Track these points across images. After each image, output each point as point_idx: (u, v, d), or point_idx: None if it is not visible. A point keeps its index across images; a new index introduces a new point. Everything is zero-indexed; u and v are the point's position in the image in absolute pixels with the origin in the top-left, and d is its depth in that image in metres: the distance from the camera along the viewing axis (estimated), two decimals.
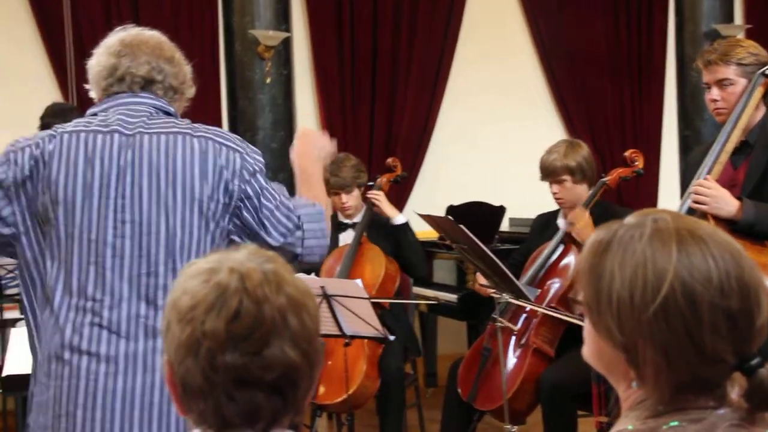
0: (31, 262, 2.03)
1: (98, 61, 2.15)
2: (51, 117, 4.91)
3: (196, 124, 2.14)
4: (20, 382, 2.67)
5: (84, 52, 2.27)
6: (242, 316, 1.11)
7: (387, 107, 6.51)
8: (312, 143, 2.47)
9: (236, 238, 2.10)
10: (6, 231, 2.03)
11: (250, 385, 1.11)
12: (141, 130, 2.06)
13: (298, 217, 2.15)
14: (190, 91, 2.23)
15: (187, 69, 2.22)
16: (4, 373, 2.80)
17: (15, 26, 5.95)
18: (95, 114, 2.11)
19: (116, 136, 2.04)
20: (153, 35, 2.19)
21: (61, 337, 1.98)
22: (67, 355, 1.96)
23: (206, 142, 2.07)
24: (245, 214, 2.09)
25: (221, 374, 1.10)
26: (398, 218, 4.52)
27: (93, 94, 2.18)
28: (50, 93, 5.70)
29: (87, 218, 1.99)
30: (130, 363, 1.96)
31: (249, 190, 2.09)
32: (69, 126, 2.07)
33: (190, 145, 2.05)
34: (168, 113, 2.14)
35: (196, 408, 1.13)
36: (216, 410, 1.12)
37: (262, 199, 2.10)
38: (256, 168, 2.12)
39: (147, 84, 2.13)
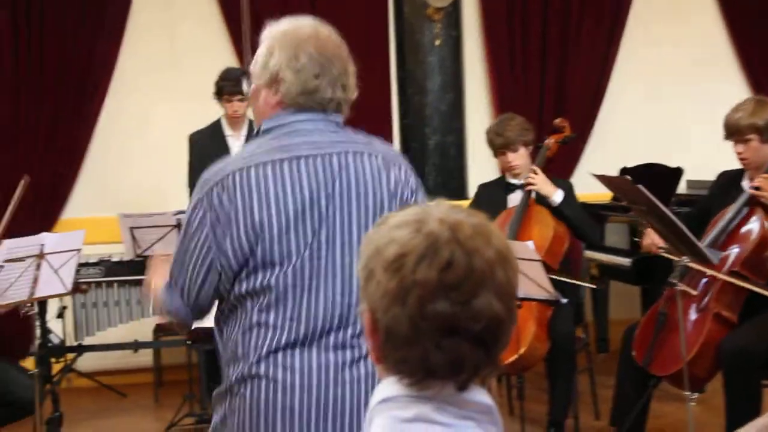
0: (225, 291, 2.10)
1: (296, 74, 2.08)
2: (224, 80, 5.15)
3: (371, 139, 2.15)
4: (207, 336, 2.79)
5: (259, 23, 2.27)
6: (454, 266, 1.12)
7: (557, 67, 6.38)
8: None
9: None
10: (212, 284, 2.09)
11: (457, 334, 1.12)
12: (326, 150, 2.06)
13: None
14: (354, 98, 2.19)
15: (353, 73, 2.16)
16: (193, 326, 2.93)
17: (196, 2, 6.18)
18: (268, 130, 2.09)
19: (302, 160, 2.03)
20: (335, 41, 2.12)
21: (261, 350, 2.04)
22: (263, 369, 2.03)
23: (384, 161, 2.09)
24: None
25: (430, 322, 1.11)
26: (557, 196, 4.41)
27: (274, 98, 2.12)
28: (230, 64, 5.88)
29: (284, 242, 2.01)
30: (323, 377, 2.01)
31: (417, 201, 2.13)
32: (252, 156, 2.05)
33: (376, 164, 2.07)
34: (340, 125, 2.13)
35: (398, 356, 1.15)
36: (422, 358, 1.13)
37: None
38: (415, 180, 2.15)
39: (336, 106, 2.11)
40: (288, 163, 2.03)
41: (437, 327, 1.12)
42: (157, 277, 2.28)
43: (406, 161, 2.17)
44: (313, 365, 2.01)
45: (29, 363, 5.21)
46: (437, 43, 6.19)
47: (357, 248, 2.02)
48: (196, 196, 2.05)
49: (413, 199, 2.12)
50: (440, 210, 1.17)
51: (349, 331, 2.03)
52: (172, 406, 5.11)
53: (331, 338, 2.03)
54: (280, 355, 2.02)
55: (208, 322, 2.56)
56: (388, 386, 1.19)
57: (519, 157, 4.46)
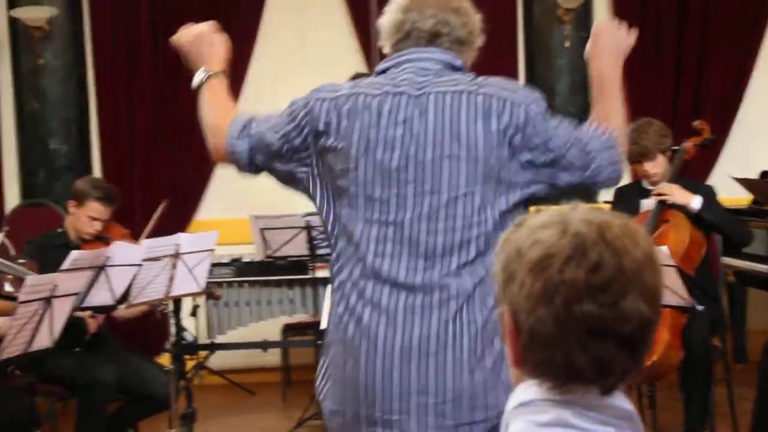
0: (319, 210, 2.13)
1: (388, 18, 2.18)
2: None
3: (480, 78, 2.11)
4: None
5: None
6: (602, 267, 1.10)
7: (694, 68, 6.18)
8: (609, 38, 2.30)
9: (535, 190, 2.06)
10: (299, 174, 2.13)
11: (605, 337, 1.10)
12: (427, 89, 2.07)
13: (589, 151, 2.06)
14: (479, 41, 2.20)
15: (475, 19, 2.19)
16: (323, 326, 2.97)
17: (327, 7, 6.26)
18: (384, 71, 2.15)
19: (404, 97, 2.06)
20: None
21: (347, 288, 2.06)
22: (351, 304, 2.04)
23: (489, 99, 2.04)
24: (535, 163, 2.04)
25: (576, 324, 1.10)
26: (695, 202, 4.25)
27: (386, 50, 2.22)
28: (358, 67, 5.93)
29: (371, 179, 2.04)
30: (408, 317, 2.00)
31: (535, 141, 2.03)
32: (364, 86, 2.12)
33: (474, 103, 2.03)
34: (455, 67, 2.13)
35: (539, 358, 1.13)
36: (567, 360, 1.12)
37: (550, 144, 2.04)
38: (539, 116, 2.05)
39: (432, 38, 2.13)
40: (391, 96, 2.07)
41: (584, 329, 1.10)
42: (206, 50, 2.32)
43: (530, 96, 2.07)
44: (400, 304, 2.01)
45: (164, 359, 5.37)
46: (567, 44, 6.09)
47: (446, 191, 2.00)
48: (308, 96, 2.15)
49: (529, 139, 2.03)
50: (581, 211, 1.16)
51: (437, 270, 2.01)
52: (299, 406, 5.18)
53: (418, 276, 2.02)
54: (367, 289, 2.03)
55: None
56: (525, 390, 1.17)
57: (657, 166, 4.33)
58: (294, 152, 2.14)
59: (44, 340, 3.39)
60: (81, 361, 4.06)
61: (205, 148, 6.52)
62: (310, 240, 4.88)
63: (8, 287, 3.74)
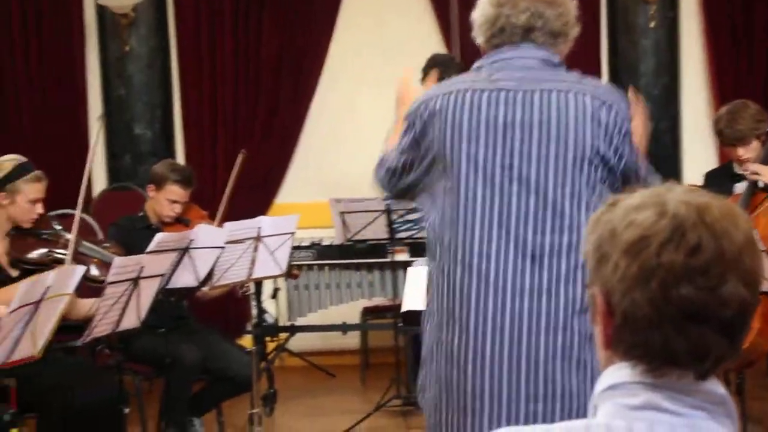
0: (427, 212, 2.13)
1: (480, 12, 2.16)
2: (431, 67, 5.15)
3: (583, 78, 2.09)
4: (417, 317, 2.81)
5: (468, 11, 2.28)
6: (702, 250, 1.08)
7: None
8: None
9: (609, 192, 2.05)
10: (409, 179, 2.13)
11: (703, 321, 1.08)
12: (529, 86, 2.04)
13: (644, 177, 2.13)
14: (574, 32, 2.17)
15: (570, 7, 2.16)
16: (403, 309, 2.97)
17: None
18: (480, 68, 2.13)
19: (502, 93, 2.04)
20: None
21: (449, 290, 2.05)
22: (457, 311, 2.03)
23: (596, 101, 2.03)
24: (622, 171, 2.04)
25: (674, 308, 1.08)
26: None
27: (479, 43, 2.20)
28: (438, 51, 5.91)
29: (473, 176, 2.02)
30: (515, 322, 1.98)
31: (626, 149, 2.05)
32: (457, 83, 2.10)
33: (582, 103, 2.01)
34: (554, 64, 2.10)
35: (633, 341, 1.11)
36: (663, 344, 1.09)
37: (631, 156, 2.07)
38: (629, 128, 2.06)
39: (527, 32, 2.10)
40: (488, 93, 2.04)
41: (682, 312, 1.07)
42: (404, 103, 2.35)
43: (623, 103, 2.08)
44: (507, 309, 1.99)
45: (245, 341, 5.45)
46: (652, 24, 5.96)
47: (552, 188, 1.98)
48: (413, 104, 2.17)
49: (622, 144, 2.04)
50: (679, 192, 1.13)
51: (545, 281, 1.99)
52: (378, 388, 5.21)
53: (526, 279, 1.99)
54: (472, 293, 2.02)
55: (420, 304, 2.57)
56: (615, 372, 1.15)
57: (751, 151, 4.19)
58: (410, 165, 2.15)
59: (131, 320, 3.46)
60: (166, 342, 4.14)
61: (286, 133, 6.61)
62: (390, 223, 4.89)
63: (94, 271, 3.83)
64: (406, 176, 2.16)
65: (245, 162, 4.75)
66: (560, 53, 2.14)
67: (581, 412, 1.97)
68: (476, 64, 2.15)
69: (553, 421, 1.96)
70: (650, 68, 6.03)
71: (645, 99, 2.18)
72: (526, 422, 1.97)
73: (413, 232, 4.92)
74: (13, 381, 2.85)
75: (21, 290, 2.76)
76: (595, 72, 6.06)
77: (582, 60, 5.63)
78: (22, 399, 2.94)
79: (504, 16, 2.11)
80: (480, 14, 2.16)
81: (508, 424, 1.97)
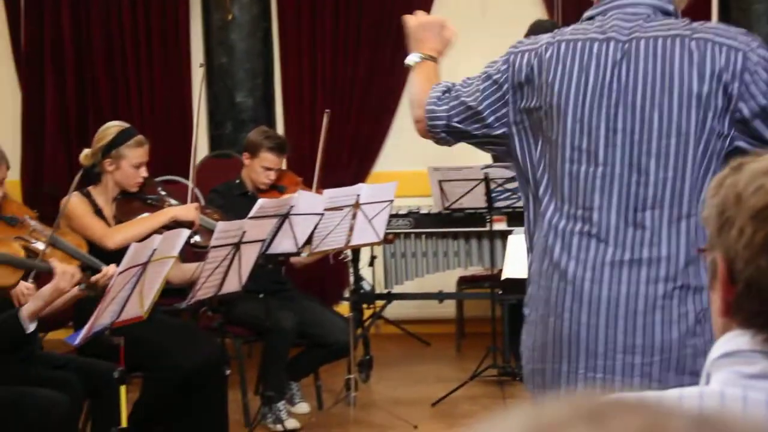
0: (522, 165, 2.09)
1: None
2: (535, 33, 5.08)
3: (694, 24, 2.01)
4: (517, 285, 2.79)
5: None
6: None
7: None
8: None
9: (742, 144, 1.96)
10: (498, 131, 2.10)
11: None
12: (637, 34, 1.99)
13: None
14: None
15: None
16: (504, 276, 2.96)
17: None
18: (591, 18, 2.08)
19: (612, 43, 2.00)
20: None
21: (551, 241, 2.01)
22: (556, 257, 2.00)
23: (705, 44, 1.94)
24: (748, 115, 1.93)
25: None
26: None
27: None
28: (540, 17, 5.82)
29: (578, 127, 1.99)
30: (615, 272, 1.94)
31: (752, 90, 1.92)
32: (567, 33, 2.06)
33: (688, 48, 1.94)
34: (667, 12, 2.04)
35: (756, 309, 1.07)
36: None
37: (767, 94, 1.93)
38: (759, 63, 1.93)
39: None
40: (598, 43, 2.00)
41: None
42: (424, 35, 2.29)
43: (752, 47, 1.94)
44: (607, 259, 1.95)
45: (342, 308, 5.50)
46: None
47: (656, 139, 1.93)
48: (507, 52, 2.10)
49: (746, 88, 1.92)
50: None
51: (648, 233, 1.95)
52: (473, 357, 5.20)
53: (628, 235, 1.95)
54: (573, 243, 1.98)
55: (520, 272, 2.56)
56: (731, 340, 1.11)
57: None
58: (493, 111, 2.11)
59: (233, 284, 3.53)
60: (265, 307, 4.21)
61: (385, 101, 6.65)
62: (488, 192, 4.85)
63: (197, 238, 3.92)
64: (481, 119, 2.12)
65: (332, 122, 4.78)
66: (676, 4, 2.07)
67: (680, 367, 1.93)
68: (587, 14, 2.11)
69: (650, 375, 1.93)
70: (763, 35, 5.83)
71: None
72: (623, 375, 1.94)
73: (512, 201, 4.88)
74: (122, 340, 2.94)
75: (129, 252, 2.84)
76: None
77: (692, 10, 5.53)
78: (129, 359, 3.02)
79: None
80: None
81: (604, 375, 1.95)
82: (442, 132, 2.17)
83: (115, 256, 3.12)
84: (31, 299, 2.81)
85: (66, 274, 2.83)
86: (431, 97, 2.19)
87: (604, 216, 1.97)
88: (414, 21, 2.40)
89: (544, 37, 2.09)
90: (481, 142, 2.17)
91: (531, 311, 2.08)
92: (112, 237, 3.71)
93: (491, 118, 2.10)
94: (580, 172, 1.99)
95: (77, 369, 3.26)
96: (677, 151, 1.95)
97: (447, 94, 2.18)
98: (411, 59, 2.32)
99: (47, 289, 2.81)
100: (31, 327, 2.82)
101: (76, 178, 3.25)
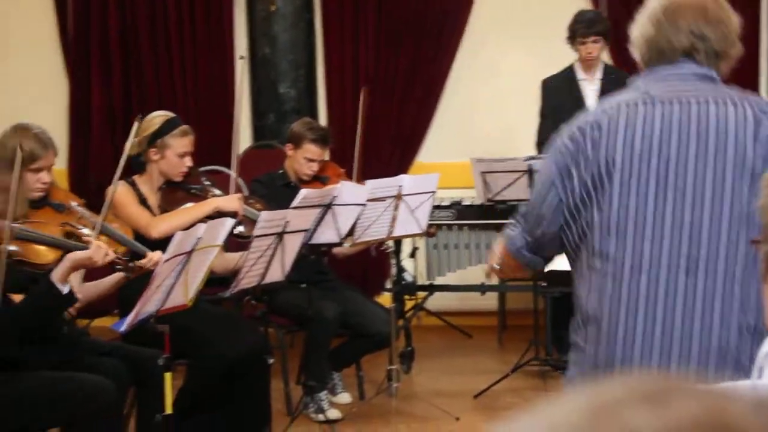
0: (577, 233, 2.09)
1: (639, 30, 2.10)
2: (578, 23, 5.06)
3: (744, 93, 2.01)
4: (561, 278, 2.78)
5: None
6: None
7: None
8: None
9: None
10: (560, 221, 2.10)
11: None
12: (686, 98, 1.98)
13: None
14: (737, 51, 2.08)
15: (734, 26, 2.06)
16: (547, 269, 2.93)
17: None
18: (636, 85, 2.09)
19: (658, 105, 2.00)
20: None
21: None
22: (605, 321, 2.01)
23: (759, 112, 1.95)
24: None
25: None
26: None
27: (636, 58, 2.14)
28: (584, 7, 5.77)
29: (626, 187, 1.98)
30: (666, 337, 1.95)
31: None
32: (610, 101, 2.07)
33: (743, 113, 1.94)
34: (712, 78, 2.03)
35: None
36: None
37: None
38: None
39: (687, 54, 2.04)
40: (642, 105, 2.00)
41: None
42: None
43: None
44: (660, 292, 1.95)
45: (383, 299, 5.51)
46: None
47: (709, 199, 1.93)
48: (557, 142, 2.11)
49: None
50: None
51: (700, 284, 1.94)
52: (515, 350, 5.19)
53: (679, 289, 1.95)
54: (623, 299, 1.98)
55: (563, 264, 2.54)
56: None
57: None
58: (557, 207, 2.11)
59: (276, 273, 3.55)
60: (308, 297, 4.23)
61: (427, 92, 6.61)
62: (532, 184, 4.83)
63: (241, 228, 3.94)
64: (544, 221, 2.12)
65: (368, 99, 4.79)
66: (720, 71, 2.07)
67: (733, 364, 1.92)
68: (632, 82, 2.11)
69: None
70: None
71: None
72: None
73: None
74: (167, 328, 2.97)
75: (174, 240, 2.87)
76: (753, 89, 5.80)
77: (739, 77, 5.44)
78: (173, 347, 3.05)
79: (664, 38, 2.04)
80: (639, 33, 2.10)
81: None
82: (526, 252, 2.20)
83: (160, 244, 3.15)
84: (59, 265, 2.84)
85: (100, 248, 2.86)
86: (506, 236, 2.24)
87: (653, 275, 1.98)
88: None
89: (591, 112, 2.11)
90: (551, 241, 2.18)
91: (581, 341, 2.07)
92: (157, 226, 3.74)
93: (554, 216, 2.11)
94: (627, 231, 1.98)
95: (123, 356, 3.30)
96: (730, 214, 1.97)
97: (515, 222, 2.23)
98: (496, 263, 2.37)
99: (79, 254, 2.84)
100: (65, 289, 2.84)
101: (120, 167, 3.27)
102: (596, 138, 2.02)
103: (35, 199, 3.24)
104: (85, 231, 3.23)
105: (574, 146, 2.05)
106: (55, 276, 2.83)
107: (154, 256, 3.13)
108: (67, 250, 2.86)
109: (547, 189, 2.10)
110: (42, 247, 2.83)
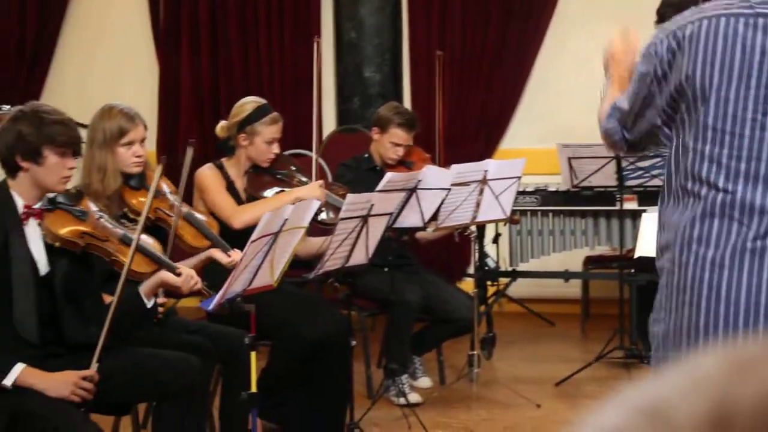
0: (675, 151, 2.03)
1: None
2: (667, 6, 4.92)
3: None
4: (651, 265, 2.73)
5: None
6: None
7: None
8: None
9: None
10: (657, 123, 2.05)
11: None
12: None
13: None
14: None
15: None
16: (637, 255, 2.90)
17: None
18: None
19: (761, 20, 1.91)
20: None
21: (689, 227, 1.95)
22: (694, 246, 1.94)
23: None
24: None
25: None
26: None
27: None
28: None
29: (722, 109, 1.92)
30: (756, 259, 1.87)
31: None
32: (709, 9, 1.99)
33: None
34: None
35: None
36: None
37: None
38: None
39: None
40: (744, 18, 1.92)
41: None
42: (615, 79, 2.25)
43: None
44: (747, 246, 1.89)
45: (465, 285, 5.50)
46: None
47: None
48: (650, 42, 2.05)
49: None
50: None
51: None
52: (598, 339, 5.12)
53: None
54: (713, 229, 1.92)
55: (650, 251, 2.49)
56: None
57: None
58: (646, 106, 2.06)
59: (360, 256, 3.56)
60: (390, 281, 4.24)
61: (513, 77, 6.54)
62: (619, 170, 4.75)
63: (323, 215, 3.96)
64: (642, 118, 2.07)
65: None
66: None
67: None
68: None
69: None
70: None
71: None
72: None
73: (644, 180, 4.76)
74: (253, 307, 3.01)
75: (262, 221, 2.90)
76: None
77: None
78: (258, 327, 3.09)
79: None
80: None
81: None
82: (623, 145, 2.15)
83: (240, 241, 3.18)
84: (150, 279, 2.93)
85: (190, 279, 2.94)
86: (604, 117, 2.17)
87: (748, 200, 1.91)
88: (607, 46, 2.32)
89: (685, 16, 2.02)
90: (647, 140, 2.14)
91: (663, 297, 2.03)
92: (239, 217, 3.79)
93: (647, 114, 2.06)
94: (722, 155, 1.93)
95: (209, 335, 3.36)
96: None
97: (612, 109, 2.15)
98: (603, 87, 2.29)
99: (171, 278, 2.92)
100: (149, 303, 2.92)
101: (188, 157, 3.29)
102: (692, 51, 1.96)
103: (133, 174, 3.31)
104: (174, 219, 3.30)
105: (669, 56, 2.00)
106: (143, 289, 2.91)
107: (236, 256, 3.18)
108: (162, 266, 2.94)
109: (641, 85, 2.06)
110: (141, 257, 2.90)
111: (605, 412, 0.49)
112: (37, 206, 2.79)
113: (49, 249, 2.79)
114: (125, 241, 2.90)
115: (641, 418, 0.48)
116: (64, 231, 2.77)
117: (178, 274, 2.93)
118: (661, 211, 2.09)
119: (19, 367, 2.65)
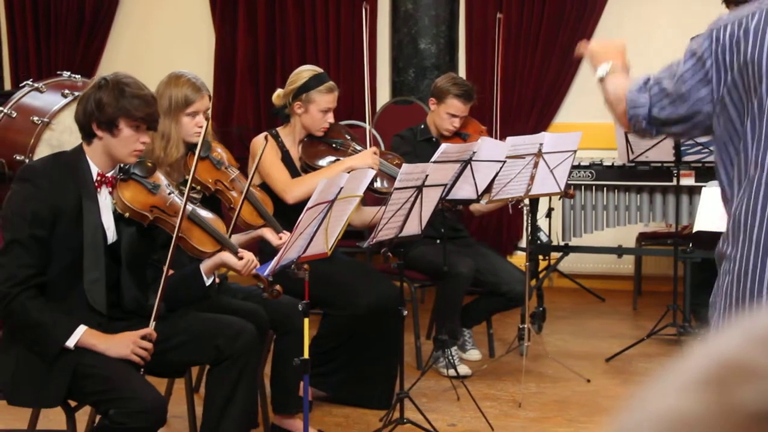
0: (726, 139, 2.00)
1: None
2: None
3: None
4: (707, 240, 2.70)
5: None
6: None
7: None
8: None
9: None
10: (704, 110, 2.02)
11: None
12: None
13: None
14: None
15: None
16: (696, 229, 2.86)
17: None
18: None
19: None
20: None
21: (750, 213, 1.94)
22: (756, 233, 1.92)
23: None
24: None
25: None
26: None
27: None
28: None
29: None
30: None
31: None
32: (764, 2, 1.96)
33: None
34: None
35: None
36: None
37: None
38: None
39: None
40: None
41: None
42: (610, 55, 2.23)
43: None
44: None
45: (516, 258, 5.48)
46: None
47: None
48: (709, 28, 2.02)
49: None
50: None
51: None
52: (649, 316, 5.09)
53: None
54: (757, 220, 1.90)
55: (712, 224, 2.46)
56: None
57: None
58: (696, 89, 2.02)
59: (414, 227, 3.57)
60: (443, 252, 4.24)
61: (569, 51, 6.47)
62: (677, 145, 4.68)
63: (378, 183, 3.97)
64: (683, 102, 2.04)
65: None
66: None
67: None
68: None
69: None
70: None
71: None
72: None
73: (702, 155, 4.70)
74: (307, 274, 3.03)
75: (318, 189, 2.91)
76: None
77: None
78: (311, 294, 3.11)
79: None
80: None
81: None
82: (643, 120, 2.11)
83: (293, 219, 3.19)
84: (211, 258, 2.96)
85: (250, 263, 2.96)
86: (632, 88, 2.13)
87: None
88: (595, 44, 2.33)
89: (749, 7, 1.98)
90: (679, 132, 2.11)
91: (726, 276, 2.01)
92: (291, 191, 3.81)
93: (694, 98, 2.02)
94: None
95: (263, 300, 3.39)
96: None
97: (647, 84, 2.12)
98: (602, 70, 2.25)
99: (230, 259, 2.95)
100: (208, 281, 2.96)
101: (261, 150, 3.31)
102: (755, 41, 1.94)
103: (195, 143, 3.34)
104: (234, 194, 3.33)
105: (732, 43, 1.97)
106: (204, 267, 2.94)
107: (287, 238, 3.20)
108: (224, 246, 2.97)
109: (695, 68, 2.02)
110: (205, 236, 2.94)
111: (724, 340, 0.49)
112: (109, 174, 2.83)
113: (117, 218, 2.83)
114: (192, 219, 2.94)
115: (761, 347, 0.48)
116: (136, 202, 2.80)
117: (240, 258, 2.96)
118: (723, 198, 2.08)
119: (81, 329, 2.71)
